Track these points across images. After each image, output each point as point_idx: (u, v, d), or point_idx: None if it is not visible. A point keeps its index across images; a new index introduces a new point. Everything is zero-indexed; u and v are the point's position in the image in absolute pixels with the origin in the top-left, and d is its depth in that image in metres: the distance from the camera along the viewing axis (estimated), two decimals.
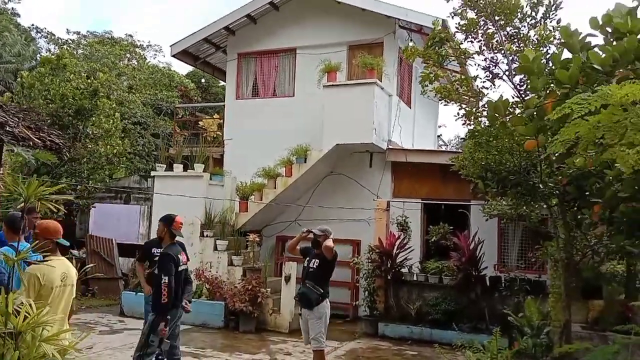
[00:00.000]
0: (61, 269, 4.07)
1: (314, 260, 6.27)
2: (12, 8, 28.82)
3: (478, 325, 8.71)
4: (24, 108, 5.57)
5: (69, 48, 23.86)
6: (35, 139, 2.73)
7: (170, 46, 13.27)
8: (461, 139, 23.15)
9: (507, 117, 4.49)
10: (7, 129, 2.63)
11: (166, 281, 5.18)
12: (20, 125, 2.75)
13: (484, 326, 8.62)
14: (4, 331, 3.26)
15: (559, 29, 6.21)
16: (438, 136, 16.40)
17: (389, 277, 9.70)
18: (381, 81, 10.80)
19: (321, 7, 12.08)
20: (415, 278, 9.78)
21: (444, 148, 18.70)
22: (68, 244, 4.14)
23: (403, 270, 9.82)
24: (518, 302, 8.16)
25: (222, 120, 13.91)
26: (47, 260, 3.94)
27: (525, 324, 5.94)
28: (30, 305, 3.36)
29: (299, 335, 9.19)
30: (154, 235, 10.73)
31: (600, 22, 3.12)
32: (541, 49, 6.12)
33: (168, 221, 5.73)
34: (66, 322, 4.10)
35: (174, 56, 13.38)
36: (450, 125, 59.81)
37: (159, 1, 54.76)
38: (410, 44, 10.95)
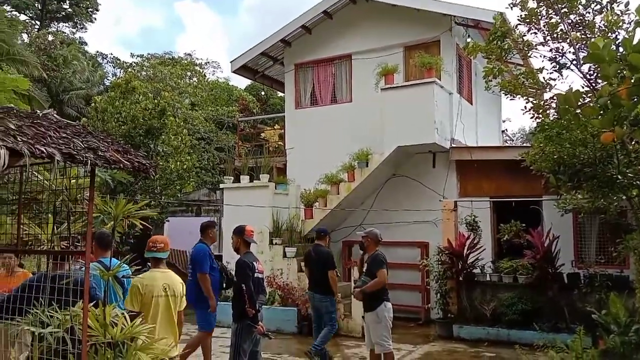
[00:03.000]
0: (164, 280, 4.35)
1: (365, 264, 6.50)
2: (80, 37, 30.66)
3: (558, 324, 8.40)
4: (100, 132, 5.92)
5: (133, 71, 25.05)
6: (125, 162, 2.92)
7: (230, 62, 13.70)
8: (529, 133, 22.41)
9: (579, 109, 4.35)
10: (100, 153, 2.83)
11: (244, 288, 5.35)
12: (110, 149, 2.95)
13: (564, 325, 8.31)
14: (104, 341, 3.51)
15: (627, 12, 5.95)
16: (503, 131, 15.96)
17: (460, 279, 9.54)
18: (440, 80, 10.67)
19: (375, 11, 12.11)
20: (488, 278, 9.56)
21: (509, 143, 18.17)
22: (163, 256, 4.39)
23: (475, 270, 9.63)
24: (600, 299, 7.81)
25: (282, 130, 14.19)
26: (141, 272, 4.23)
27: (611, 321, 5.67)
28: (125, 316, 3.60)
29: None
30: (226, 245, 11.13)
31: None
32: (609, 35, 5.87)
33: (240, 232, 5.94)
34: (172, 331, 4.30)
35: (234, 72, 13.80)
36: (514, 119, 57.92)
37: (211, 20, 56.50)
38: (469, 39, 10.78)
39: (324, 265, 7.40)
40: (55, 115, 3.45)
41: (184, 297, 4.55)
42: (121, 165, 2.95)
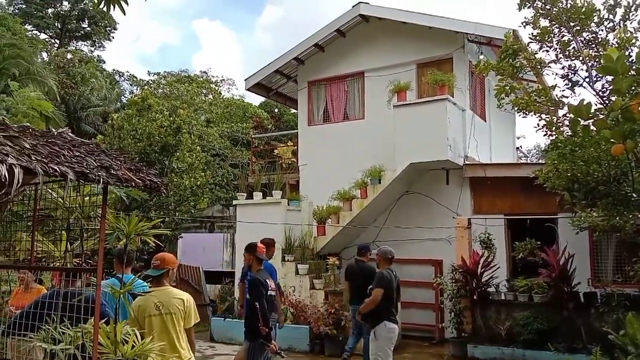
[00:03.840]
0: (157, 299, 4.20)
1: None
2: (98, 55, 31.26)
3: (574, 344, 8.24)
4: (115, 149, 6.01)
5: (149, 88, 25.44)
6: (137, 180, 2.96)
7: (245, 80, 13.85)
8: (543, 150, 22.23)
9: (591, 120, 4.32)
10: (112, 172, 2.87)
11: (258, 306, 5.35)
12: (123, 168, 3.00)
13: (581, 345, 8.15)
14: (114, 358, 3.53)
15: None
16: (517, 148, 15.85)
17: (475, 297, 9.42)
18: (453, 97, 10.67)
19: (387, 29, 12.19)
20: (503, 297, 9.43)
21: (523, 160, 18.04)
22: (155, 274, 4.30)
23: (489, 289, 9.50)
24: (617, 318, 7.64)
25: (296, 147, 14.25)
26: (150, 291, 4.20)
27: (629, 342, 5.56)
28: (136, 334, 3.62)
29: None
30: (238, 262, 11.14)
31: None
32: (622, 51, 5.84)
33: (252, 249, 5.98)
34: (174, 350, 4.19)
35: (248, 89, 13.95)
36: (529, 136, 57.54)
37: (227, 37, 57.28)
38: (481, 57, 10.78)
39: (367, 279, 7.24)
40: (69, 134, 3.52)
41: (191, 314, 4.32)
42: (133, 183, 3.00)
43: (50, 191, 3.79)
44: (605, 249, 9.49)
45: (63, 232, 3.89)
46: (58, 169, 2.68)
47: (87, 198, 3.88)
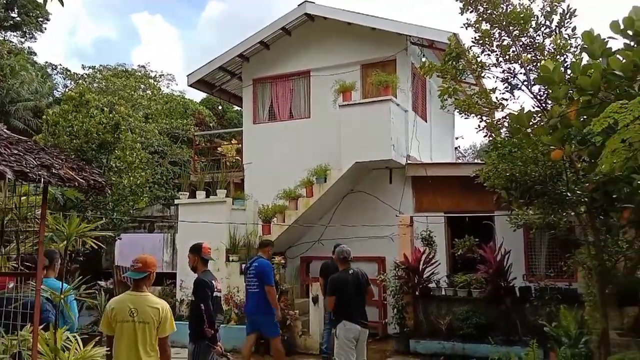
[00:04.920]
0: (132, 305, 4.01)
1: None
2: (29, 47, 29.63)
3: (510, 337, 8.60)
4: (49, 146, 5.72)
5: (84, 83, 24.38)
6: (80, 179, 2.81)
7: (187, 76, 13.54)
8: (479, 150, 23.05)
9: (530, 128, 4.51)
10: (54, 171, 2.72)
11: (203, 307, 5.24)
12: (64, 167, 2.85)
13: (517, 338, 8.51)
14: None
15: (574, 37, 6.25)
16: (455, 148, 16.37)
17: (417, 293, 9.65)
18: (396, 97, 10.88)
19: (332, 29, 12.26)
20: (443, 292, 9.71)
21: (461, 160, 18.65)
22: (137, 277, 4.10)
23: (430, 285, 9.76)
24: (550, 311, 8.05)
25: (240, 145, 14.07)
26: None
27: (563, 334, 5.86)
28: (77, 340, 3.45)
29: (329, 356, 9.20)
30: (180, 262, 10.88)
31: (622, 26, 3.13)
32: (558, 57, 6.15)
33: (197, 250, 5.84)
34: (147, 359, 3.98)
35: (190, 86, 13.64)
36: (467, 136, 59.54)
37: (168, 32, 55.86)
38: (424, 59, 11.06)
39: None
40: (5, 130, 3.30)
41: (167, 323, 4.09)
42: (76, 183, 2.84)
43: None
44: (538, 245, 9.96)
45: None
46: None
47: (24, 198, 3.66)
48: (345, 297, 6.36)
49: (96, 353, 3.54)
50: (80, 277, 3.56)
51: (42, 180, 2.73)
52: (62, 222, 3.61)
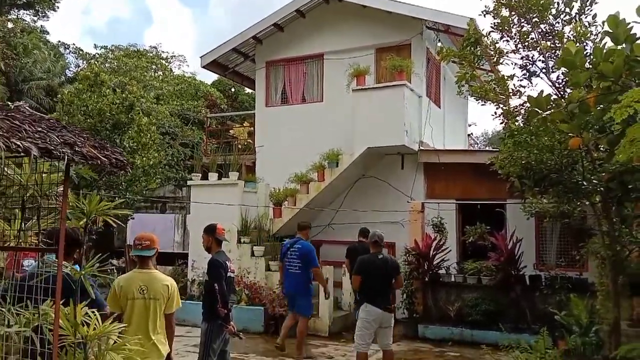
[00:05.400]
0: (141, 282, 4.09)
1: None
2: (42, 26, 29.66)
3: (519, 325, 8.64)
4: (64, 125, 5.76)
5: (96, 62, 24.40)
6: (103, 158, 2.84)
7: (201, 57, 13.51)
8: (495, 136, 22.84)
9: (548, 112, 4.46)
10: (77, 149, 2.75)
11: (217, 287, 5.30)
12: (87, 145, 2.87)
13: (526, 326, 8.55)
14: (74, 341, 3.41)
15: (594, 24, 6.16)
16: (468, 135, 16.28)
17: (426, 279, 9.69)
18: (410, 82, 10.80)
19: (347, 12, 12.15)
20: (453, 279, 9.75)
21: (474, 146, 18.55)
22: (146, 254, 4.21)
23: (440, 271, 9.80)
24: (560, 300, 8.06)
25: (252, 128, 14.08)
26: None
27: (573, 322, 5.88)
28: (97, 316, 3.51)
29: (339, 338, 9.32)
30: (192, 243, 10.98)
31: None
32: (577, 45, 6.07)
33: (212, 230, 5.88)
34: (154, 335, 4.07)
35: (204, 67, 13.62)
36: (480, 123, 58.99)
37: (181, 13, 55.63)
38: (439, 44, 10.95)
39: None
40: (27, 108, 3.33)
41: (174, 299, 4.23)
42: (99, 161, 2.87)
43: (5, 169, 3.59)
44: (550, 234, 9.94)
45: (18, 210, 3.70)
46: (21, 145, 2.53)
47: (45, 175, 3.71)
48: (370, 280, 6.43)
49: (114, 329, 3.59)
50: (99, 254, 3.60)
51: (66, 157, 2.76)
52: (82, 200, 3.65)
